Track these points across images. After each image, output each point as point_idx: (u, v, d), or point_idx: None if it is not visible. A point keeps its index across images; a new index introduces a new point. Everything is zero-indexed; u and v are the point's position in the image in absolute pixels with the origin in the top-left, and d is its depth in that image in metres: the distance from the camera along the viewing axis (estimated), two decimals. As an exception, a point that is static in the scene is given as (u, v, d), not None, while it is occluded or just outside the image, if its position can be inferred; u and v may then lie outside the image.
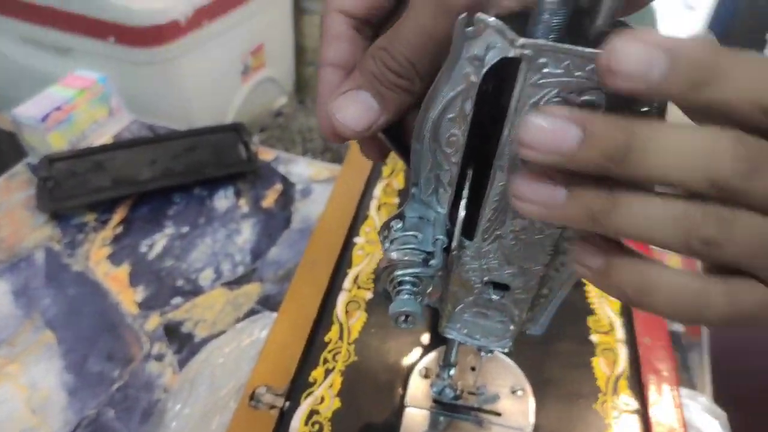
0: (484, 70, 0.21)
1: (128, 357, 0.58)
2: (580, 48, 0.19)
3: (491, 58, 0.21)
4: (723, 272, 0.21)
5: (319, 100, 0.28)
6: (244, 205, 0.76)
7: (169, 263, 0.68)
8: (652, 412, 0.47)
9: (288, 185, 0.79)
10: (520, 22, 0.21)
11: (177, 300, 0.64)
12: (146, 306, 0.63)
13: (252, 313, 0.63)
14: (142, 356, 0.58)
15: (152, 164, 0.79)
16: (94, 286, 0.65)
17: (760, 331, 0.71)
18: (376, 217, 0.62)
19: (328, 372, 0.48)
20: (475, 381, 0.46)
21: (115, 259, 0.68)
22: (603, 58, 0.18)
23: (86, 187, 0.75)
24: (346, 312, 0.53)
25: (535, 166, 0.20)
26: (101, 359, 0.58)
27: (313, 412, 0.46)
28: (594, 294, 0.55)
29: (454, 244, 0.29)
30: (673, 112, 0.21)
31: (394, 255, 0.29)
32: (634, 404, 0.47)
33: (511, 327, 0.33)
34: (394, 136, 0.29)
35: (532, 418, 0.45)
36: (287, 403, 0.47)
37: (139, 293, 0.65)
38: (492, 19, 0.20)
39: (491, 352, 0.40)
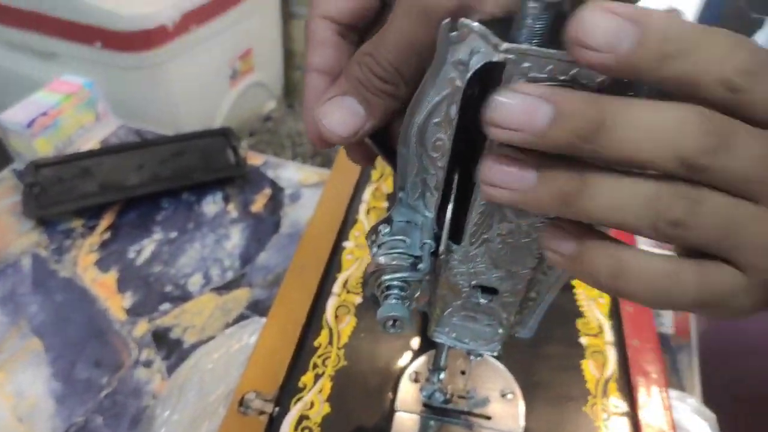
0: (469, 74, 0.22)
1: (116, 363, 0.58)
2: (563, 52, 0.19)
3: (475, 63, 0.21)
4: (695, 257, 0.21)
5: (305, 105, 0.29)
6: (232, 210, 0.76)
7: (157, 269, 0.68)
8: (642, 415, 0.47)
9: (277, 190, 0.79)
10: (503, 27, 0.21)
11: (165, 306, 0.64)
12: (134, 312, 0.63)
13: (241, 318, 0.62)
14: (130, 363, 0.58)
15: (140, 169, 0.78)
16: (82, 292, 0.65)
17: (749, 332, 0.71)
18: (365, 221, 0.62)
19: (317, 377, 0.48)
20: (465, 385, 0.46)
21: (102, 265, 0.68)
22: (572, 29, 0.18)
23: (73, 193, 0.74)
24: (336, 316, 0.53)
25: (503, 149, 0.20)
26: (89, 366, 0.58)
27: (302, 418, 0.46)
28: (583, 297, 0.55)
29: (441, 248, 0.29)
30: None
31: (381, 259, 0.29)
32: (624, 406, 0.47)
33: (500, 330, 0.33)
34: (381, 141, 0.29)
35: (522, 422, 0.45)
36: (277, 409, 0.46)
37: (127, 299, 0.64)
38: (476, 24, 0.20)
39: (480, 355, 0.40)
